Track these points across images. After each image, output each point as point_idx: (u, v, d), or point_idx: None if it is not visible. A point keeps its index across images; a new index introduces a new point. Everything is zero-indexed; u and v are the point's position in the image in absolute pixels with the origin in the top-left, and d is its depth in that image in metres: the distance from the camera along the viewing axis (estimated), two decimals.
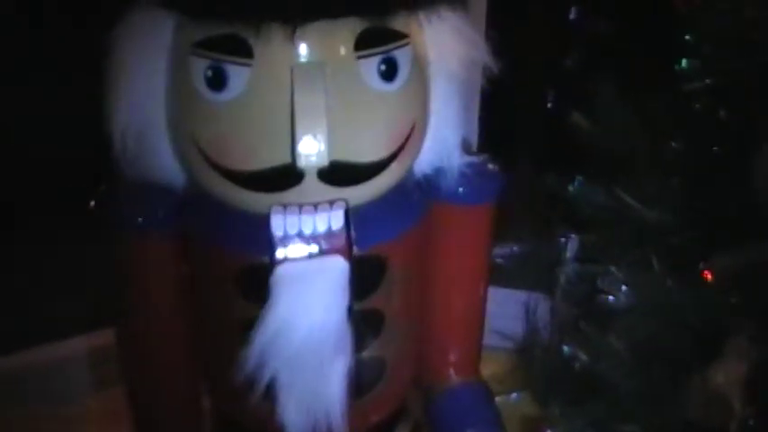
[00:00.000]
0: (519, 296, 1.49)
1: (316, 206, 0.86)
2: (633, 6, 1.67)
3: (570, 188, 1.40)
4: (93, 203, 0.94)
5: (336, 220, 0.85)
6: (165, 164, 0.91)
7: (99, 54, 0.87)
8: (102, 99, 0.88)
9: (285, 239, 0.84)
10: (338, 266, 0.86)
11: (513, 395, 1.41)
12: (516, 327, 1.47)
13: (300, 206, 0.86)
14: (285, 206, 0.85)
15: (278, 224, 0.85)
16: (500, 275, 1.21)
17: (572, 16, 1.90)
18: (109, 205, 0.94)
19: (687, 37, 1.30)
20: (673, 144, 1.29)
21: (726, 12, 1.24)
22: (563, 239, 1.44)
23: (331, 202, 0.86)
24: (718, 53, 1.25)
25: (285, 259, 0.85)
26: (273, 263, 0.85)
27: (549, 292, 1.46)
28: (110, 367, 1.37)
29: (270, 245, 0.85)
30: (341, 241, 0.86)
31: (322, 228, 0.85)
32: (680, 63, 1.29)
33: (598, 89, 1.37)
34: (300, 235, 0.85)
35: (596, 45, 1.79)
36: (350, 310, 0.87)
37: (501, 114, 0.96)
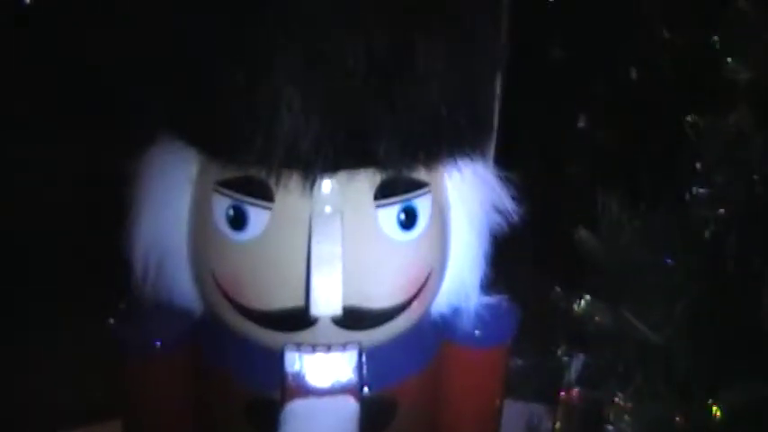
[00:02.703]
0: (521, 408, 1.48)
1: (329, 347, 0.86)
2: (643, 123, 1.68)
3: (575, 306, 1.40)
4: (111, 321, 0.94)
5: (349, 361, 0.85)
6: (184, 290, 0.91)
7: (123, 182, 0.88)
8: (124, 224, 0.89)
9: (298, 377, 0.84)
10: (348, 407, 0.86)
11: None
12: None
13: (314, 346, 0.86)
14: (299, 345, 0.86)
15: (291, 361, 0.85)
16: None
17: (580, 124, 1.91)
18: (126, 324, 0.95)
19: (698, 165, 1.30)
20: (680, 267, 1.29)
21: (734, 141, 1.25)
22: (566, 358, 1.43)
23: (344, 345, 0.86)
24: (727, 183, 1.25)
25: (296, 396, 0.85)
26: (285, 398, 0.85)
27: (551, 406, 1.45)
28: None
29: (282, 380, 0.85)
30: (352, 383, 0.85)
31: (335, 369, 0.85)
32: (690, 191, 1.29)
33: (601, 203, 1.37)
34: (313, 374, 0.85)
35: (603, 157, 1.79)
36: None
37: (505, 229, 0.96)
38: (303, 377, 0.85)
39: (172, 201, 0.88)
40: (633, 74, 1.78)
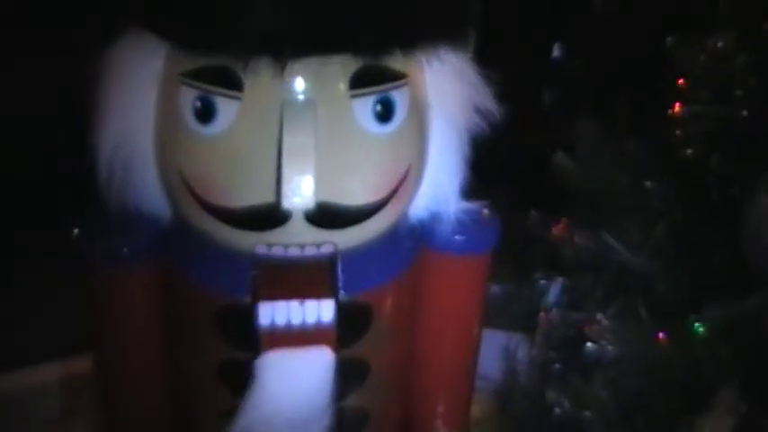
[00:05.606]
0: (498, 337, 1.46)
1: (302, 247, 0.82)
2: (621, 47, 1.66)
3: (553, 230, 1.38)
4: (75, 232, 0.90)
5: (326, 311, 0.83)
6: (151, 195, 0.88)
7: (87, 79, 0.84)
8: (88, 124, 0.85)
9: (272, 329, 0.82)
10: (324, 358, 0.84)
11: None
12: (495, 368, 1.44)
13: (286, 246, 0.82)
14: (270, 245, 0.82)
15: (266, 313, 0.82)
16: None
17: (555, 53, 1.89)
18: (92, 234, 0.91)
19: (681, 81, 1.28)
20: (658, 189, 1.28)
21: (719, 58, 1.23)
22: (544, 282, 1.42)
23: (318, 245, 0.82)
24: (712, 100, 1.23)
25: (270, 348, 0.83)
26: (258, 350, 0.83)
27: (528, 334, 1.44)
28: (80, 397, 1.33)
29: (253, 283, 0.83)
30: (329, 333, 0.83)
31: (311, 319, 0.82)
32: (671, 108, 1.27)
33: (578, 128, 1.35)
34: (288, 325, 0.82)
35: (579, 83, 1.77)
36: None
37: (481, 152, 0.93)
38: (278, 329, 0.83)
39: (137, 98, 0.83)
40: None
